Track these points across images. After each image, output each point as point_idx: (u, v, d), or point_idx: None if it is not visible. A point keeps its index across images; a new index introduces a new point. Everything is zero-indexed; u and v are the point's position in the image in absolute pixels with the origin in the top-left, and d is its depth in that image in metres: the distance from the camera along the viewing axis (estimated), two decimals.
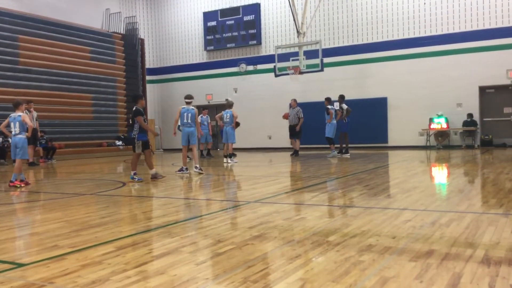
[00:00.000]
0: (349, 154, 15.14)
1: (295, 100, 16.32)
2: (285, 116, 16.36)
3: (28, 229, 5.14)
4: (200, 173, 10.41)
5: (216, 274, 3.21)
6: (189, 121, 10.64)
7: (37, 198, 7.83)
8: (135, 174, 9.37)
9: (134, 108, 9.46)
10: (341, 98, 15.28)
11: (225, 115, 13.96)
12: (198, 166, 10.60)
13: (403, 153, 16.07)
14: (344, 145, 15.23)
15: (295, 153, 15.95)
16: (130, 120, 9.49)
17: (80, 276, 3.21)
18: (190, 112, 10.66)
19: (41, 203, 7.04)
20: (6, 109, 14.63)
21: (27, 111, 14.49)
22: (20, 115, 8.98)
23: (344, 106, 15.20)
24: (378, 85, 19.53)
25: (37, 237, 4.51)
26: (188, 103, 10.81)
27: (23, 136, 8.98)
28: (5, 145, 15.12)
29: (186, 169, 10.67)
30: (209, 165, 13.20)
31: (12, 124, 8.99)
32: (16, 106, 9.13)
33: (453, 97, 18.36)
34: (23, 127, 8.97)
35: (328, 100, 15.05)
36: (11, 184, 8.82)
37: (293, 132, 16.04)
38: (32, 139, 14.87)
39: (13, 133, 8.98)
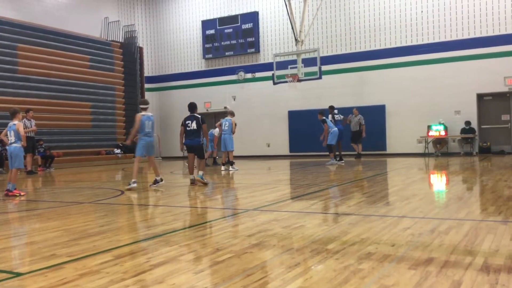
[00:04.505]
0: (342, 161, 15.23)
1: (357, 109, 17.85)
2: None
3: (26, 238, 5.12)
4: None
5: (215, 283, 3.20)
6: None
7: (35, 206, 7.80)
8: (203, 174, 9.91)
9: (198, 115, 9.76)
10: (331, 109, 15.90)
11: (224, 123, 13.98)
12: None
13: (402, 161, 16.08)
14: (337, 153, 15.34)
15: (358, 156, 17.38)
16: (196, 126, 9.64)
17: (78, 285, 3.20)
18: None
19: (39, 212, 7.01)
20: (5, 117, 14.62)
21: (26, 120, 14.57)
22: (15, 124, 8.93)
23: (341, 117, 15.97)
24: (376, 93, 19.57)
25: (35, 246, 4.48)
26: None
27: (18, 145, 8.92)
28: (3, 154, 15.09)
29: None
30: (206, 173, 13.16)
31: (8, 133, 8.98)
32: (13, 114, 9.09)
33: (451, 105, 18.40)
34: (18, 136, 8.92)
35: (322, 113, 15.03)
36: (10, 193, 8.74)
37: (355, 138, 17.55)
38: (31, 148, 14.89)
39: (9, 141, 8.96)
